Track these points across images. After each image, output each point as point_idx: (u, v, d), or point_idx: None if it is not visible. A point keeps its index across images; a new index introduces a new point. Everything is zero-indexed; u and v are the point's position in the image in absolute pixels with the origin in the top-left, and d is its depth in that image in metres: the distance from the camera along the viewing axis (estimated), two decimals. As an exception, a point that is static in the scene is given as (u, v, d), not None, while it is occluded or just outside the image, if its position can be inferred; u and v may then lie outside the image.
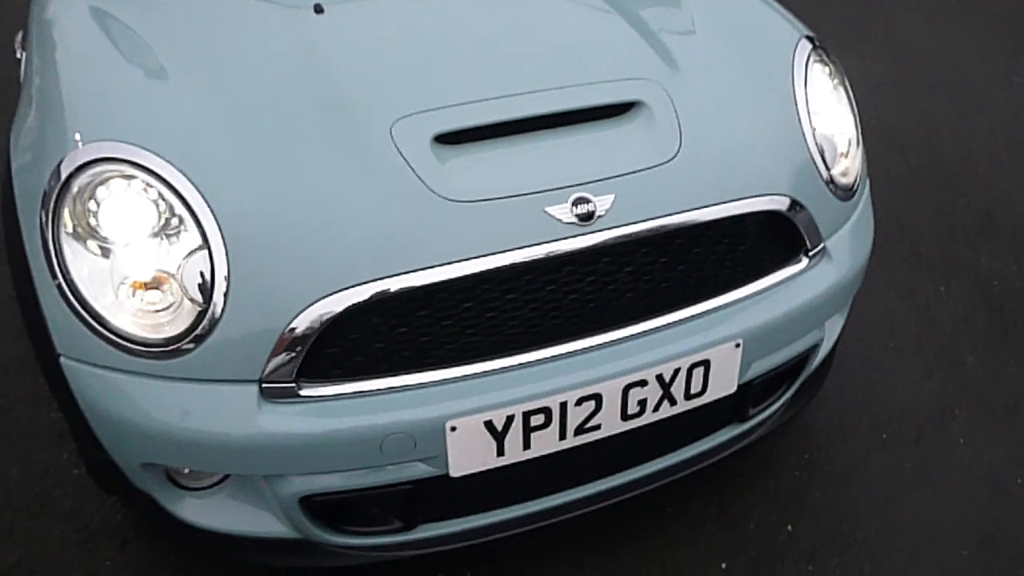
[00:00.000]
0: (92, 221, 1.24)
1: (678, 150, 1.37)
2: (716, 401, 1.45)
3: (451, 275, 1.22)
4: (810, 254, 1.51)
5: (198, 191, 1.22)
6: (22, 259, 1.31)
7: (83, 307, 1.23)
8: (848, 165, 1.60)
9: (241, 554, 1.42)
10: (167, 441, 1.25)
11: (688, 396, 1.41)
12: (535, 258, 1.25)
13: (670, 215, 1.33)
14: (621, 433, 1.39)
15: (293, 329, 1.19)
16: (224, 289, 1.20)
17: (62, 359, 1.28)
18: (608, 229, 1.29)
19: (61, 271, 1.23)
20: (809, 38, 1.67)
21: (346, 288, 1.20)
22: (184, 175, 1.23)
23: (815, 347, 1.63)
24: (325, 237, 1.22)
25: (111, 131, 1.28)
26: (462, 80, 1.38)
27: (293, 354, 1.21)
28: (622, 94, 1.39)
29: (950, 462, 1.85)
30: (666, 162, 1.36)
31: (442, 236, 1.23)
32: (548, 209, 1.27)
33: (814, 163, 1.52)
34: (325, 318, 1.19)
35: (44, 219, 1.25)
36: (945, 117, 3.26)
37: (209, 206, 1.21)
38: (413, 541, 1.41)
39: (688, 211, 1.35)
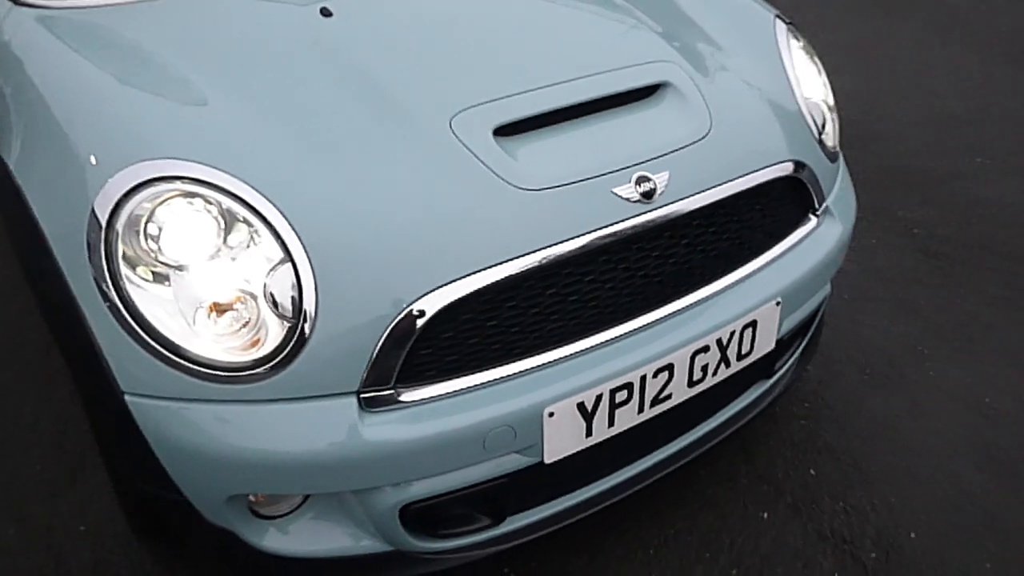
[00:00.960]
0: (153, 246, 1.16)
1: (710, 126, 1.44)
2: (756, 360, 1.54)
3: (536, 262, 1.24)
4: (817, 213, 1.62)
5: (270, 202, 1.17)
6: (64, 301, 1.21)
7: (154, 338, 1.16)
8: (829, 128, 1.73)
9: (330, 576, 1.37)
10: (263, 468, 1.19)
11: (739, 357, 1.48)
12: (609, 238, 1.29)
13: (716, 186, 1.40)
14: (683, 400, 1.45)
15: (390, 335, 1.17)
16: (313, 302, 1.16)
17: (127, 397, 1.19)
18: (668, 204, 1.34)
19: (124, 304, 1.15)
20: (778, 16, 1.79)
21: (438, 288, 1.19)
22: (252, 187, 1.17)
23: (824, 300, 1.75)
24: (409, 238, 1.20)
25: (154, 150, 1.21)
26: (503, 73, 1.40)
27: (391, 360, 1.18)
28: (655, 76, 1.45)
29: (932, 392, 2.03)
30: (703, 137, 1.43)
31: (523, 225, 1.25)
32: (615, 190, 1.31)
33: (809, 129, 1.64)
34: (421, 320, 1.18)
35: (94, 252, 1.16)
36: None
37: (285, 217, 1.17)
38: (502, 535, 1.40)
39: (729, 181, 1.42)
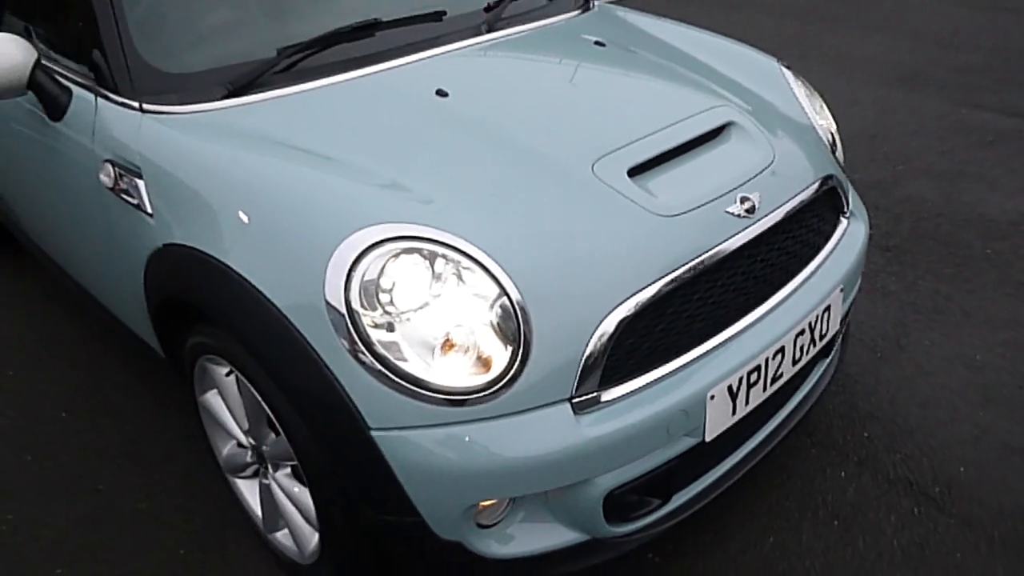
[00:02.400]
0: (386, 298, 1.35)
1: (774, 153, 1.77)
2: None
3: (686, 274, 1.51)
4: (845, 215, 1.98)
5: (480, 249, 1.39)
6: (303, 360, 1.38)
7: (399, 377, 1.34)
8: (838, 146, 2.10)
9: (538, 571, 1.54)
10: (498, 475, 1.38)
11: (820, 337, 1.79)
12: (731, 247, 1.58)
13: (789, 200, 1.72)
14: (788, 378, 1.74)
15: (592, 347, 1.40)
16: (528, 328, 1.38)
17: (374, 433, 1.37)
18: (764, 217, 1.65)
19: (371, 352, 1.34)
20: (779, 61, 2.18)
21: (621, 303, 1.43)
22: (463, 239, 1.39)
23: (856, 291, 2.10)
24: (587, 265, 1.45)
25: (363, 220, 1.40)
26: (614, 126, 1.69)
27: (594, 367, 1.41)
28: (724, 117, 1.77)
29: (928, 356, 2.42)
30: (772, 163, 1.75)
31: (669, 244, 1.52)
32: (727, 209, 1.60)
33: (829, 148, 2.00)
34: (613, 331, 1.42)
35: (336, 312, 1.34)
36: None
37: (494, 259, 1.39)
38: (669, 513, 1.63)
39: (797, 195, 1.74)
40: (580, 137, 1.65)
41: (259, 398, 1.55)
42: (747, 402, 1.62)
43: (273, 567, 1.84)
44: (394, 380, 1.34)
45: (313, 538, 1.68)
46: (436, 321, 1.36)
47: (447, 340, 1.36)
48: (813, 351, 1.78)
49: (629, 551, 1.62)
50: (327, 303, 1.35)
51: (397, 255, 1.37)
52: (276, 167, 1.54)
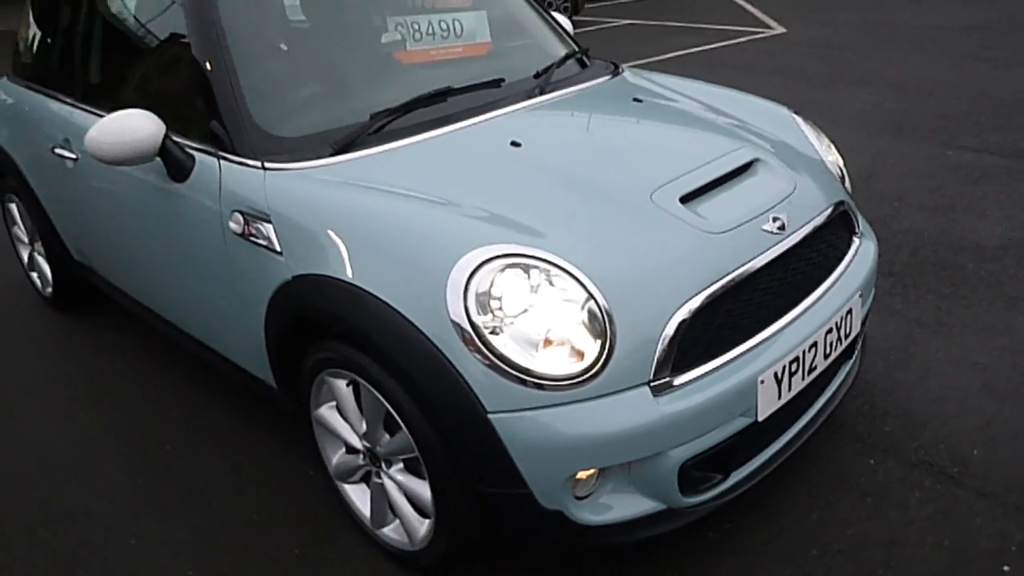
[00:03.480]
0: (496, 304, 1.67)
1: (795, 183, 2.11)
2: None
3: (736, 278, 1.82)
4: (857, 234, 2.30)
5: (568, 262, 1.71)
6: (431, 358, 1.68)
7: (511, 367, 1.64)
8: (846, 177, 2.45)
9: (623, 536, 1.81)
10: (593, 447, 1.67)
11: (845, 336, 2.10)
12: (769, 257, 1.90)
13: (811, 220, 2.05)
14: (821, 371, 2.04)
15: (663, 340, 1.71)
16: (612, 325, 1.68)
17: (490, 415, 1.66)
18: (792, 234, 1.97)
19: (489, 350, 1.64)
20: (789, 108, 2.54)
21: (684, 303, 1.74)
22: (554, 254, 1.71)
23: (871, 302, 2.42)
24: (655, 274, 1.77)
25: (474, 243, 1.72)
26: (664, 163, 2.02)
27: (667, 356, 1.71)
28: (752, 154, 2.12)
29: (936, 362, 2.72)
30: (793, 191, 2.09)
31: (720, 255, 1.84)
32: (763, 227, 1.93)
33: (839, 179, 2.35)
34: (679, 327, 1.72)
35: (456, 320, 1.65)
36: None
37: (581, 270, 1.70)
38: (731, 487, 1.91)
39: (816, 217, 2.08)
40: (636, 173, 1.99)
41: (382, 400, 1.84)
42: (790, 388, 1.91)
43: (381, 558, 2.10)
44: (506, 370, 1.64)
45: (422, 526, 1.95)
46: (536, 322, 1.66)
47: (546, 337, 1.67)
48: (840, 348, 2.08)
49: (693, 522, 1.89)
50: (448, 313, 1.66)
51: (503, 270, 1.68)
52: (386, 206, 1.87)
